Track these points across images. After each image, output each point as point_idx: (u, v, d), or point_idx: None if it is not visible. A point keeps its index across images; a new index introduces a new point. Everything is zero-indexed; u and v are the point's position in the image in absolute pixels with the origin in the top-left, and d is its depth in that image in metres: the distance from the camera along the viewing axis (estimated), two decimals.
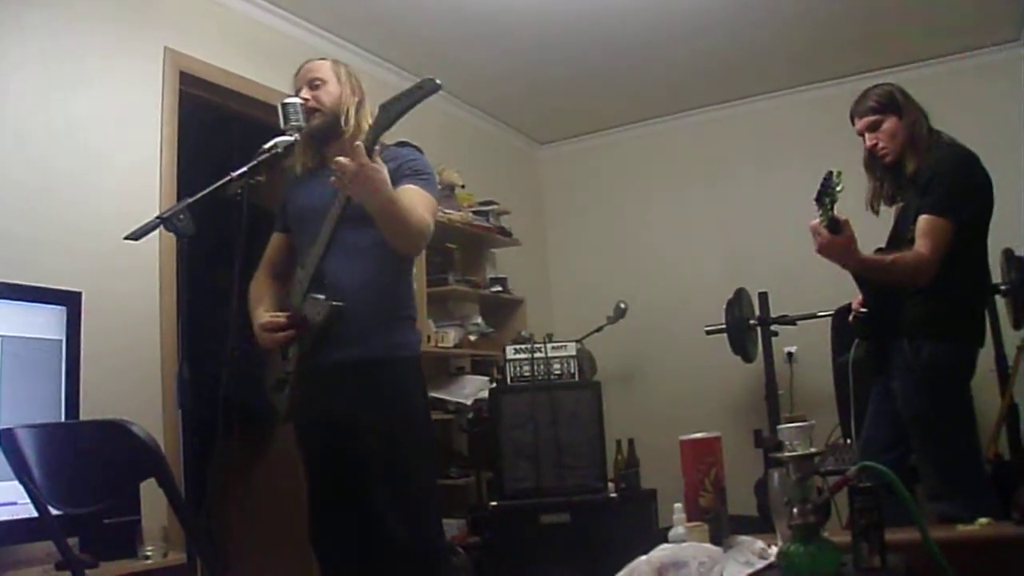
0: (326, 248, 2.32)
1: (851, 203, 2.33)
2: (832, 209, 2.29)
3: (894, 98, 2.70)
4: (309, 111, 2.36)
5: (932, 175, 2.58)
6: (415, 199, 2.31)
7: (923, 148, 2.64)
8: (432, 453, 2.55)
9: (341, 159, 2.09)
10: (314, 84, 2.46)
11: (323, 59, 2.58)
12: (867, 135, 2.74)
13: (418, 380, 2.46)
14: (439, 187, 4.38)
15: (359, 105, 2.47)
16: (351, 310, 2.29)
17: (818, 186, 2.28)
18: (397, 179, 2.33)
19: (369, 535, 2.29)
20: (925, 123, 2.69)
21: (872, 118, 2.71)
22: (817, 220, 2.33)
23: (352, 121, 2.44)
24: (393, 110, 2.13)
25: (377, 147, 2.45)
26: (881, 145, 2.70)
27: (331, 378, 2.33)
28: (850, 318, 2.84)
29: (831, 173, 2.25)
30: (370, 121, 2.48)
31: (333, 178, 2.13)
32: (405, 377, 2.39)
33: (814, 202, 2.31)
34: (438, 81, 2.06)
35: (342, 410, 2.33)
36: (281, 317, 2.36)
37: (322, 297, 2.28)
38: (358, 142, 2.11)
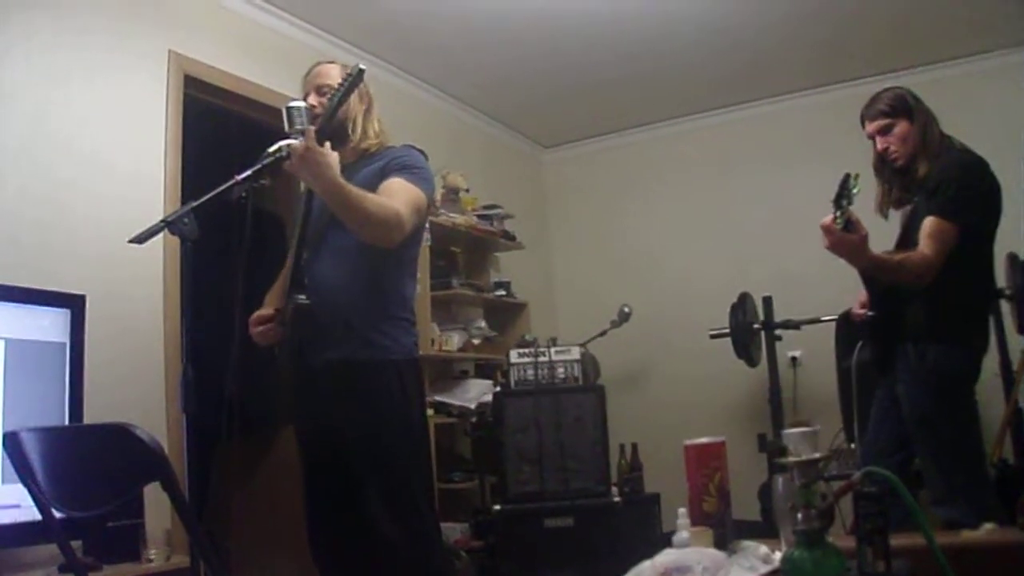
0: (299, 247, 2.32)
1: (859, 206, 2.32)
2: (847, 211, 2.29)
3: (905, 102, 2.70)
4: (315, 117, 2.36)
5: (940, 179, 2.57)
6: (394, 190, 2.30)
7: (933, 153, 2.64)
8: (424, 455, 2.51)
9: (292, 142, 2.10)
10: (322, 91, 2.45)
11: (332, 63, 2.58)
12: (878, 139, 2.73)
13: (410, 382, 2.39)
14: (442, 189, 4.42)
15: (367, 112, 2.47)
16: (333, 309, 2.29)
17: (836, 188, 2.28)
18: (386, 174, 2.34)
19: (361, 538, 2.26)
20: (936, 127, 2.69)
21: (883, 121, 2.71)
22: (831, 218, 2.32)
23: (359, 128, 2.44)
24: (335, 99, 2.18)
25: (376, 147, 2.46)
26: (892, 149, 2.70)
27: (319, 379, 2.33)
28: (852, 314, 2.83)
29: (848, 176, 2.25)
30: (377, 128, 2.49)
31: (285, 162, 2.14)
32: (394, 379, 2.34)
33: (832, 204, 2.30)
34: (362, 67, 2.15)
35: (329, 411, 2.31)
36: (268, 313, 2.38)
37: (298, 296, 2.28)
38: (310, 126, 2.12)
